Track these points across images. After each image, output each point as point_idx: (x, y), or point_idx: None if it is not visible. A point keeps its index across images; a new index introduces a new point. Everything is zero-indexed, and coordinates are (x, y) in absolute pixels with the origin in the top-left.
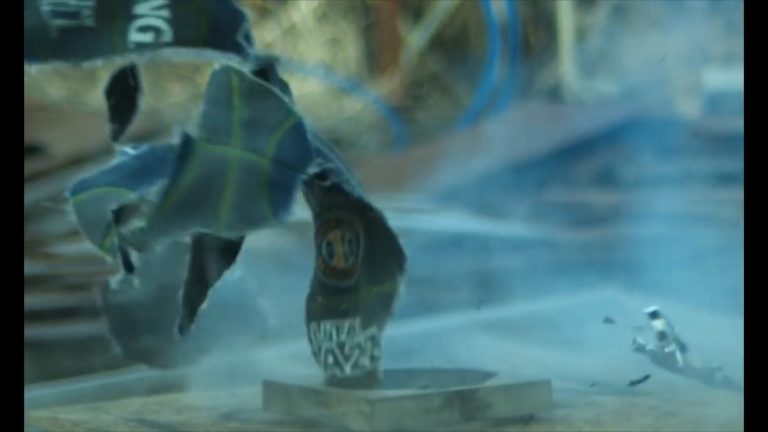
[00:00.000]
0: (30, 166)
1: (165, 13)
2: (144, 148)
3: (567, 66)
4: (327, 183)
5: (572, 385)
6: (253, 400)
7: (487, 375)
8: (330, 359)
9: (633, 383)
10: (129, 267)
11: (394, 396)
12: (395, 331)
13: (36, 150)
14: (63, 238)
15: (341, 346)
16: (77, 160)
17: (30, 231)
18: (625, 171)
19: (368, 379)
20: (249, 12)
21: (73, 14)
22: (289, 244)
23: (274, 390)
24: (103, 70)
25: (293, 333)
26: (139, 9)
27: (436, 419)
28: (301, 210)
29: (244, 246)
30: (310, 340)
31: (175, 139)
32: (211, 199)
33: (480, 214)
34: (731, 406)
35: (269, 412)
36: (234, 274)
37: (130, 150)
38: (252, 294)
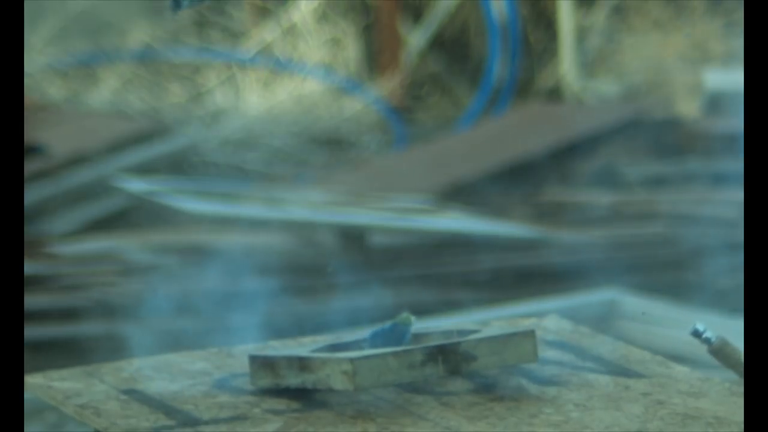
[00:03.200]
0: (30, 166)
1: None
2: None
3: (567, 66)
4: None
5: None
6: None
7: (472, 332)
8: None
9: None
10: None
11: (375, 354)
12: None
13: (36, 150)
14: (63, 238)
15: None
16: (77, 160)
17: (30, 231)
18: (625, 171)
19: None
20: (249, 12)
21: None
22: (288, 244)
23: (259, 364)
24: (104, 70)
25: (299, 332)
26: None
27: (419, 374)
28: (299, 210)
29: (241, 246)
30: None
31: None
32: None
33: (480, 213)
34: (723, 398)
35: (257, 386)
36: None
37: None
38: None
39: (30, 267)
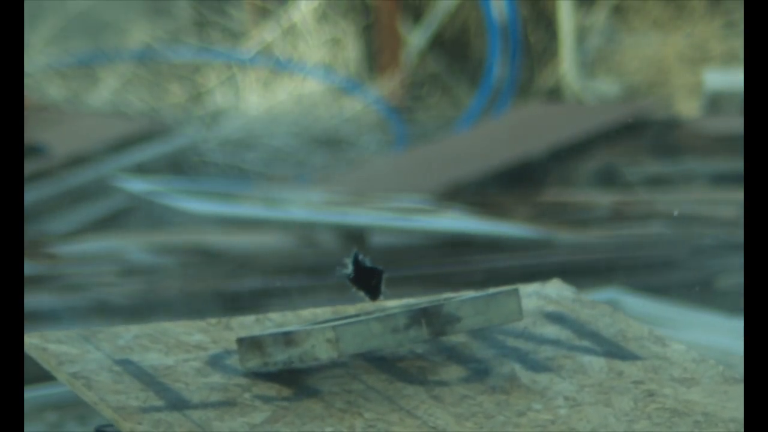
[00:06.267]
0: (30, 166)
1: None
2: None
3: (567, 66)
4: None
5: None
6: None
7: (459, 297)
8: None
9: None
10: None
11: (358, 320)
12: None
13: (36, 150)
14: (63, 238)
15: None
16: (77, 160)
17: (30, 231)
18: (625, 171)
19: None
20: (249, 12)
21: None
22: (288, 244)
23: (247, 345)
24: (104, 70)
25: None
26: None
27: (404, 338)
28: (299, 210)
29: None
30: None
31: None
32: None
33: (480, 213)
34: (715, 387)
35: (246, 368)
36: None
37: None
38: None
39: (30, 267)
